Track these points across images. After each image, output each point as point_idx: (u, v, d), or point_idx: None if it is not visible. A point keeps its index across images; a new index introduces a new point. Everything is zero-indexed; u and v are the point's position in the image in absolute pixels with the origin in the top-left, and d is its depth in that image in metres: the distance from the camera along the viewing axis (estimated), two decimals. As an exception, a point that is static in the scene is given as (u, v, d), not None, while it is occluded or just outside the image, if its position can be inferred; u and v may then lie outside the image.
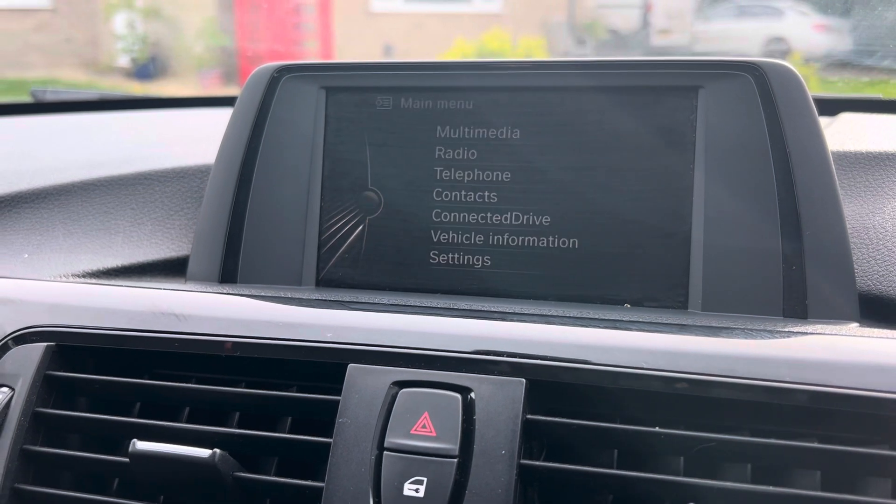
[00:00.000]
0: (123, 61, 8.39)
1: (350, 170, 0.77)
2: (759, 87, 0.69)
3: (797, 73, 0.68)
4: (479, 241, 0.74)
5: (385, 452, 0.56)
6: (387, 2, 8.61)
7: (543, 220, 0.73)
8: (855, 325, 0.65)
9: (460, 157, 0.75)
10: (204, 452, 0.57)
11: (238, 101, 0.80)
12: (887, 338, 0.58)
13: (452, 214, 0.75)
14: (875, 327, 0.65)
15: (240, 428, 0.64)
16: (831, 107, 1.01)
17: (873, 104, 1.03)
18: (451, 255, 0.74)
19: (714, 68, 0.70)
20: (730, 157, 0.69)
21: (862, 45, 1.20)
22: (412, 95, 0.76)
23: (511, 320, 0.63)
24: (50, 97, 1.43)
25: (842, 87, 1.29)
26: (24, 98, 1.45)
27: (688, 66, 0.70)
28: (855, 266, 0.69)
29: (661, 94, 0.71)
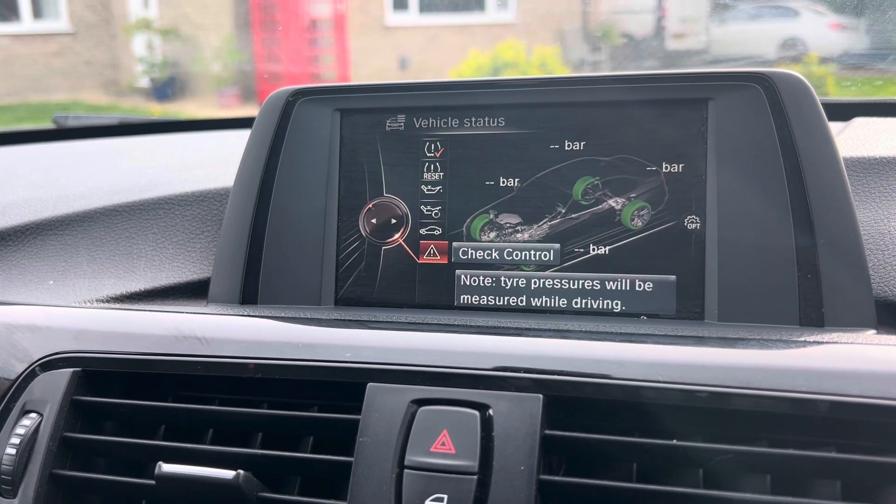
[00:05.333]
0: (143, 82, 8.51)
1: (366, 189, 0.79)
2: (768, 97, 0.69)
3: (807, 82, 0.68)
4: (496, 255, 0.75)
5: (406, 470, 0.56)
6: (401, 15, 8.66)
7: (559, 233, 0.73)
8: (872, 332, 0.65)
9: (475, 173, 0.76)
10: (228, 474, 0.58)
11: (255, 124, 0.82)
12: (904, 345, 0.58)
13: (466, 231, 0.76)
14: (893, 334, 0.64)
15: (263, 448, 0.65)
16: (844, 111, 1.01)
17: (888, 107, 1.02)
18: (465, 271, 0.75)
19: (724, 80, 0.70)
20: (742, 168, 0.69)
21: (875, 48, 1.20)
22: (425, 115, 0.77)
23: (528, 336, 0.64)
24: (72, 123, 1.46)
25: (855, 91, 1.29)
26: (47, 124, 1.48)
27: (697, 78, 0.71)
28: (871, 272, 0.68)
29: (671, 107, 0.71)
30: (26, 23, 9.00)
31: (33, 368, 0.69)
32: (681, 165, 0.71)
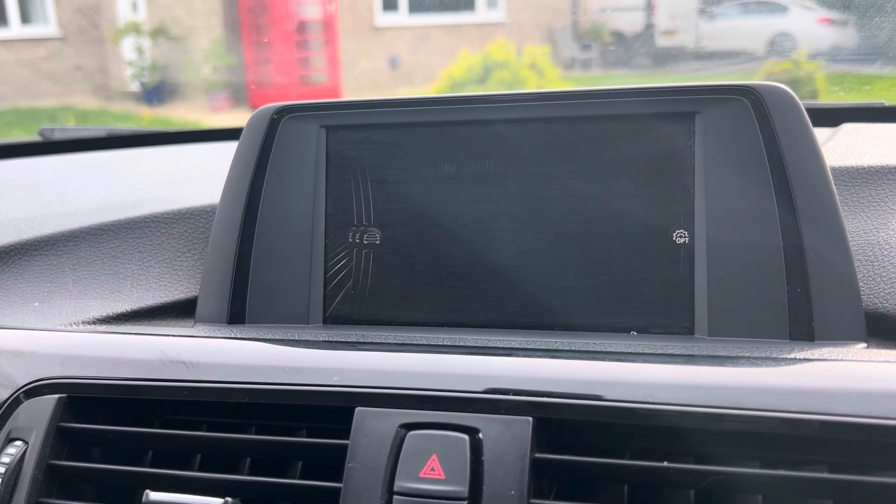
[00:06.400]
0: (133, 86, 8.48)
1: (353, 206, 0.78)
2: (755, 110, 0.68)
3: (794, 95, 0.68)
4: (483, 272, 0.74)
5: (395, 496, 0.56)
6: (391, 16, 8.65)
7: (547, 249, 0.73)
8: (863, 345, 0.64)
9: (461, 190, 0.75)
10: (216, 502, 0.58)
11: (240, 142, 0.81)
12: (895, 361, 0.57)
13: (455, 247, 0.75)
14: (883, 347, 0.64)
15: (251, 473, 0.65)
16: (832, 116, 1.00)
17: (876, 112, 1.02)
18: (455, 288, 0.75)
19: (710, 93, 0.70)
20: (730, 182, 0.69)
21: (862, 54, 1.20)
22: (411, 131, 0.77)
23: (517, 356, 0.63)
24: (58, 136, 1.45)
25: (843, 94, 1.29)
26: (37, 130, 1.47)
27: (684, 92, 0.70)
28: (861, 284, 0.68)
29: (658, 121, 0.71)
30: (14, 28, 8.95)
31: (18, 395, 0.68)
32: (668, 179, 0.71)
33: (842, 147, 0.85)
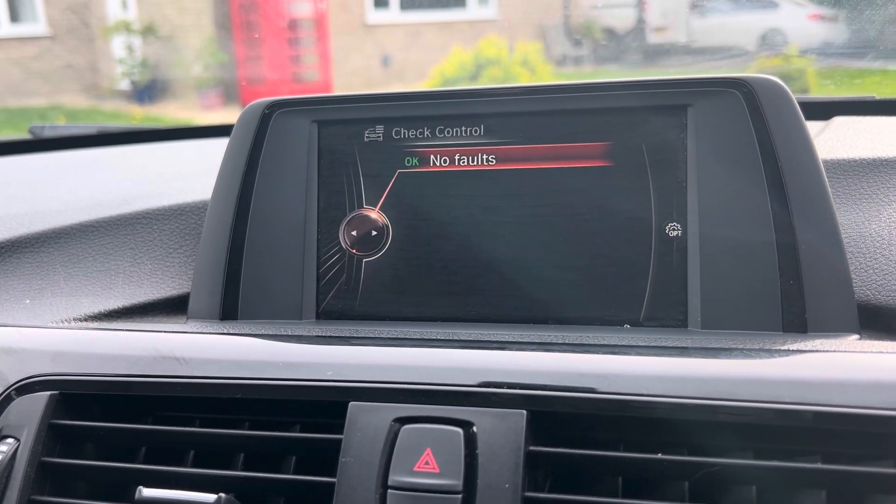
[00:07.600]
0: (124, 85, 8.44)
1: (345, 201, 0.78)
2: (747, 103, 0.69)
3: (786, 87, 0.68)
4: (477, 266, 0.74)
5: (389, 491, 0.56)
6: (382, 13, 8.63)
7: (540, 243, 0.73)
8: (855, 337, 0.65)
9: (454, 183, 0.75)
10: (210, 497, 0.58)
11: (231, 137, 0.81)
12: (887, 352, 0.57)
13: (448, 242, 0.75)
14: (875, 339, 0.64)
15: (245, 468, 0.64)
16: (824, 110, 1.01)
17: (867, 105, 1.03)
18: (449, 283, 0.75)
19: (703, 86, 0.70)
20: (722, 174, 0.69)
21: (853, 47, 1.21)
22: (403, 125, 0.77)
23: (511, 349, 0.63)
24: (48, 133, 1.44)
25: (833, 88, 1.29)
26: (23, 132, 1.46)
27: (676, 84, 0.70)
28: (853, 276, 0.68)
29: (651, 114, 0.71)
30: (3, 26, 8.90)
31: (9, 393, 0.67)
32: (661, 173, 0.71)
33: (833, 140, 0.85)
